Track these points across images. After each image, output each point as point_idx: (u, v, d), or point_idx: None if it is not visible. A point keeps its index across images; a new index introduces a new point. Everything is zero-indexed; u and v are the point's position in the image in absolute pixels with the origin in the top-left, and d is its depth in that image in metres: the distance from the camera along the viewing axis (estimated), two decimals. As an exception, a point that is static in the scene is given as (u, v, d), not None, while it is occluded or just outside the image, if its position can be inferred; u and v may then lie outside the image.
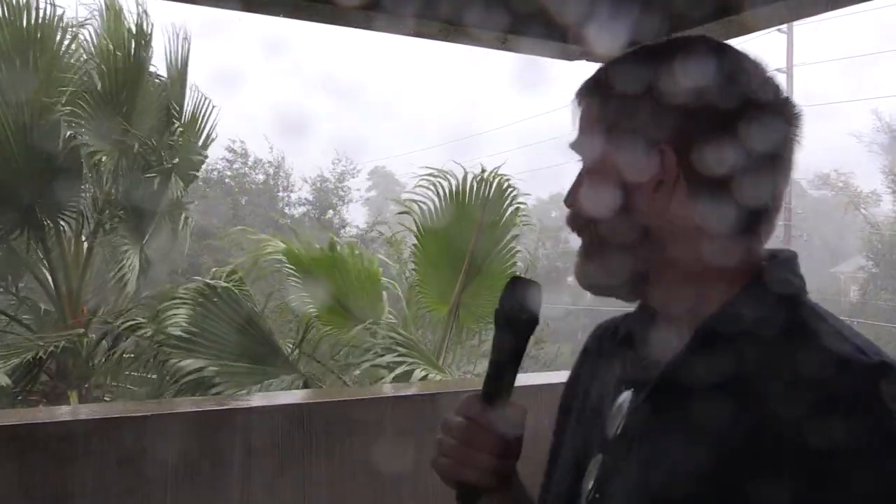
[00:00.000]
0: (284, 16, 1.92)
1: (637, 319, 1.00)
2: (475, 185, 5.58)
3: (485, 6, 1.85)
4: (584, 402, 1.04)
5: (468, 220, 5.55)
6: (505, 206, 5.60)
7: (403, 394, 2.95)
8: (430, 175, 5.68)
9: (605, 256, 0.93)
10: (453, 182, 5.63)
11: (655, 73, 0.91)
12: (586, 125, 0.95)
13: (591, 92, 0.95)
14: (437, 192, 5.65)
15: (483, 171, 5.66)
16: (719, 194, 0.88)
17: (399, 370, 4.67)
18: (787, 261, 0.95)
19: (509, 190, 5.60)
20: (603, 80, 0.95)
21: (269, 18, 2.02)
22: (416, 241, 5.70)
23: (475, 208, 5.55)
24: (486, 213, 5.52)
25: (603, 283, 0.96)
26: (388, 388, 4.19)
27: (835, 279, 30.97)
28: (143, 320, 5.24)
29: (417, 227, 5.67)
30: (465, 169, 5.69)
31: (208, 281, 5.17)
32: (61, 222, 5.96)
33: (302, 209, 22.93)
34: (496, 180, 5.60)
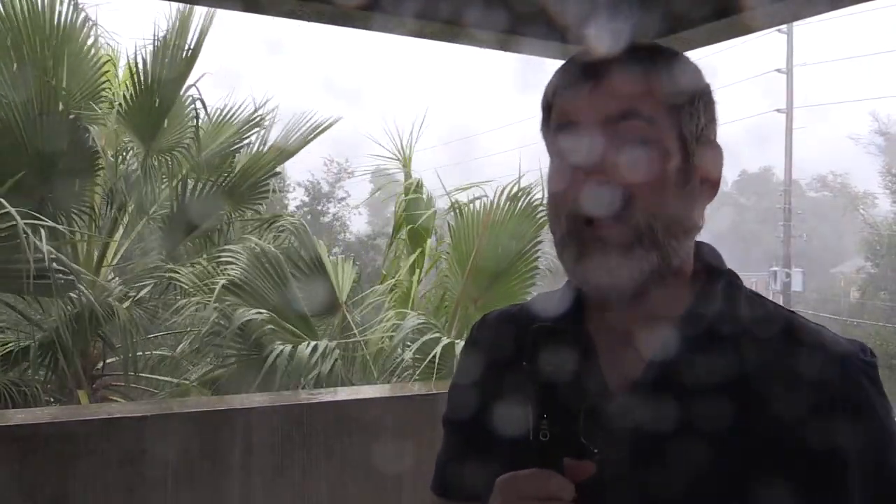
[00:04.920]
0: (284, 16, 1.92)
1: (580, 317, 0.96)
2: (503, 201, 5.64)
3: (485, 6, 1.85)
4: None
5: (496, 232, 5.61)
6: (532, 219, 5.64)
7: (403, 394, 2.95)
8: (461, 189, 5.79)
9: (642, 251, 0.87)
10: (483, 198, 5.71)
11: (682, 71, 0.94)
12: (632, 108, 0.88)
13: (641, 77, 0.90)
14: (468, 207, 5.71)
15: (516, 188, 5.68)
16: (711, 191, 0.95)
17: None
18: (716, 251, 0.99)
19: (537, 207, 5.65)
20: (650, 69, 0.91)
21: (269, 18, 2.02)
22: (448, 248, 5.78)
23: (504, 222, 5.61)
24: (510, 225, 5.58)
25: (634, 280, 0.88)
26: (388, 389, 4.19)
27: (834, 280, 31.00)
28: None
29: (451, 232, 5.74)
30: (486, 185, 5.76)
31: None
32: (74, 217, 5.92)
33: (299, 213, 22.89)
34: (524, 197, 5.66)
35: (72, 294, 4.85)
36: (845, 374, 0.85)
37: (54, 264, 4.63)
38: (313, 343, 4.86)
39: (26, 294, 4.89)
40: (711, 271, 0.96)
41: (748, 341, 0.88)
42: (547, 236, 5.66)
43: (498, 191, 5.64)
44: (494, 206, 5.63)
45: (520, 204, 5.59)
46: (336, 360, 4.78)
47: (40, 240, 4.44)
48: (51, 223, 4.73)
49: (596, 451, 0.80)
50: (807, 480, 0.82)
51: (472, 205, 5.70)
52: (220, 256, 5.58)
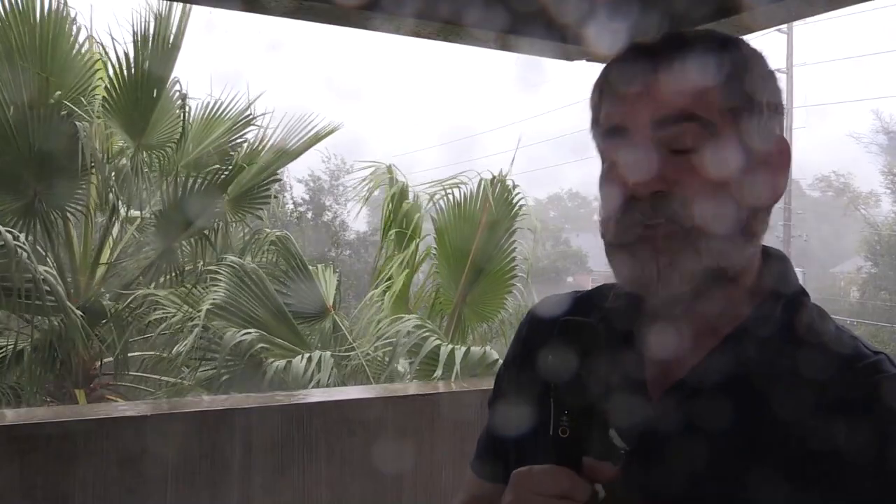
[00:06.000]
0: (284, 16, 1.92)
1: (627, 316, 0.93)
2: (483, 189, 5.63)
3: (484, 6, 1.84)
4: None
5: (475, 223, 5.59)
6: (509, 208, 5.65)
7: (403, 394, 2.95)
8: (443, 181, 5.79)
9: (695, 258, 0.84)
10: (464, 188, 5.70)
11: (739, 62, 0.88)
12: (685, 111, 0.84)
13: (693, 75, 0.85)
14: (449, 198, 5.71)
15: (493, 176, 5.68)
16: (774, 193, 0.90)
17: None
18: (785, 260, 0.94)
19: (516, 194, 5.65)
20: (703, 65, 0.85)
21: (269, 18, 2.02)
22: (434, 243, 5.77)
23: (483, 212, 5.61)
24: (490, 215, 5.57)
25: (685, 286, 0.84)
26: (388, 388, 4.19)
27: (834, 279, 30.99)
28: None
29: (436, 228, 5.75)
30: (469, 175, 5.75)
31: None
32: (69, 215, 5.89)
33: (298, 211, 22.86)
34: (500, 184, 5.66)
35: (63, 315, 4.86)
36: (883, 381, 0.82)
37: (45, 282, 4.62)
38: (307, 355, 4.84)
39: (18, 312, 4.90)
40: (776, 289, 0.90)
41: (799, 367, 0.83)
42: (520, 225, 5.69)
43: (478, 181, 5.67)
44: (473, 196, 5.65)
45: (496, 191, 5.60)
46: (332, 368, 4.78)
47: (30, 259, 4.45)
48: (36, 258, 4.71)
49: (623, 451, 0.78)
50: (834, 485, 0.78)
51: (450, 196, 5.70)
52: (204, 279, 5.57)
